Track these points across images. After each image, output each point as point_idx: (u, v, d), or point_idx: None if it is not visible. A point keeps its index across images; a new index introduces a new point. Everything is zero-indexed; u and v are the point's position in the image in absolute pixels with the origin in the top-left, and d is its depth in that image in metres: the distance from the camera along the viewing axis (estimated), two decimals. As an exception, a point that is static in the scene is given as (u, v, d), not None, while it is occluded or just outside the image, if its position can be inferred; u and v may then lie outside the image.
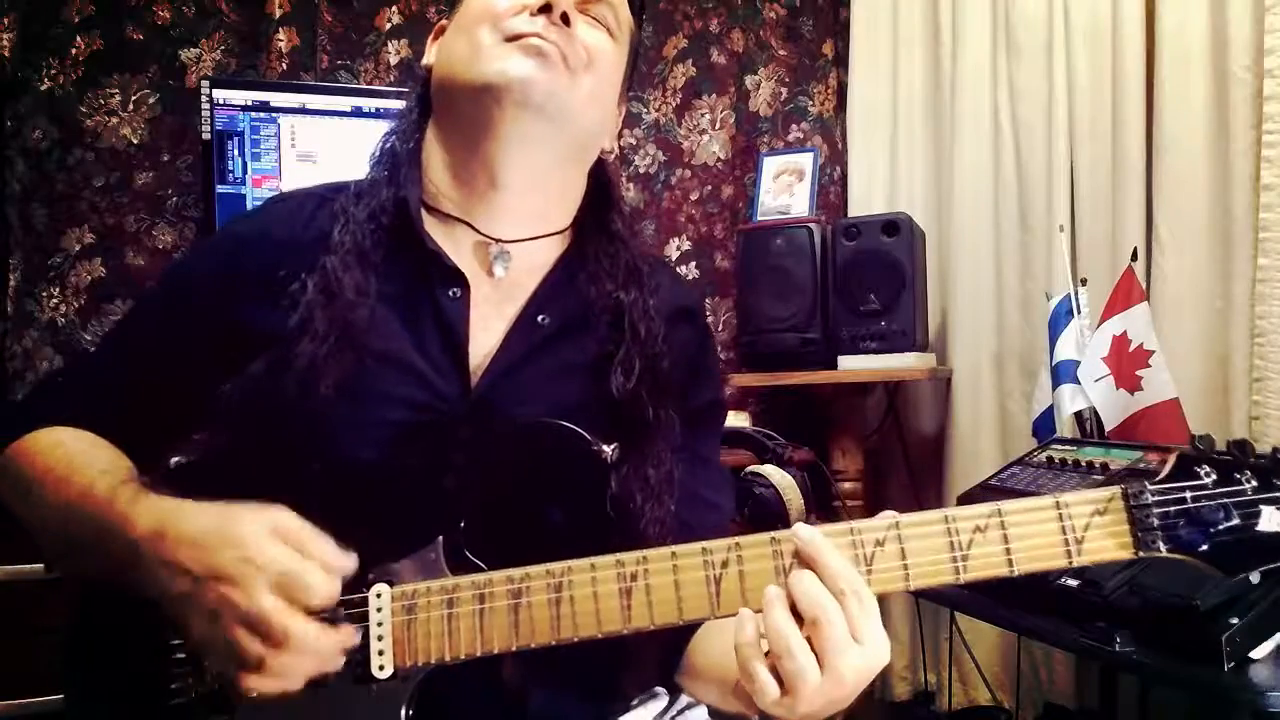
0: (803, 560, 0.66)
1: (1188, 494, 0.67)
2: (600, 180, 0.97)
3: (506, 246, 0.89)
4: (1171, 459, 0.70)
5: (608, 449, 0.79)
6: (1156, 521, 0.67)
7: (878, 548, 0.68)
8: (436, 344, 0.85)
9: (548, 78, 0.83)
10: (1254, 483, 0.67)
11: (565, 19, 0.84)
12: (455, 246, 0.89)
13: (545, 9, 0.84)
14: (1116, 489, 0.68)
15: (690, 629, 0.85)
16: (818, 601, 0.64)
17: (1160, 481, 0.68)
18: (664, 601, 0.69)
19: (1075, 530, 0.68)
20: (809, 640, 0.63)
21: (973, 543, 0.68)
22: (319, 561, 0.69)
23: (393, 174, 0.89)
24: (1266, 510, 0.66)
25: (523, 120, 0.84)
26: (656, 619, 0.69)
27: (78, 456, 0.82)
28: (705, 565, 0.69)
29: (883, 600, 0.67)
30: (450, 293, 0.86)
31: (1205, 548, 0.67)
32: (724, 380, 1.05)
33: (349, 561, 0.70)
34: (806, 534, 0.67)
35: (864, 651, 0.64)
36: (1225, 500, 0.67)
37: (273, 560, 0.67)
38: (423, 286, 0.86)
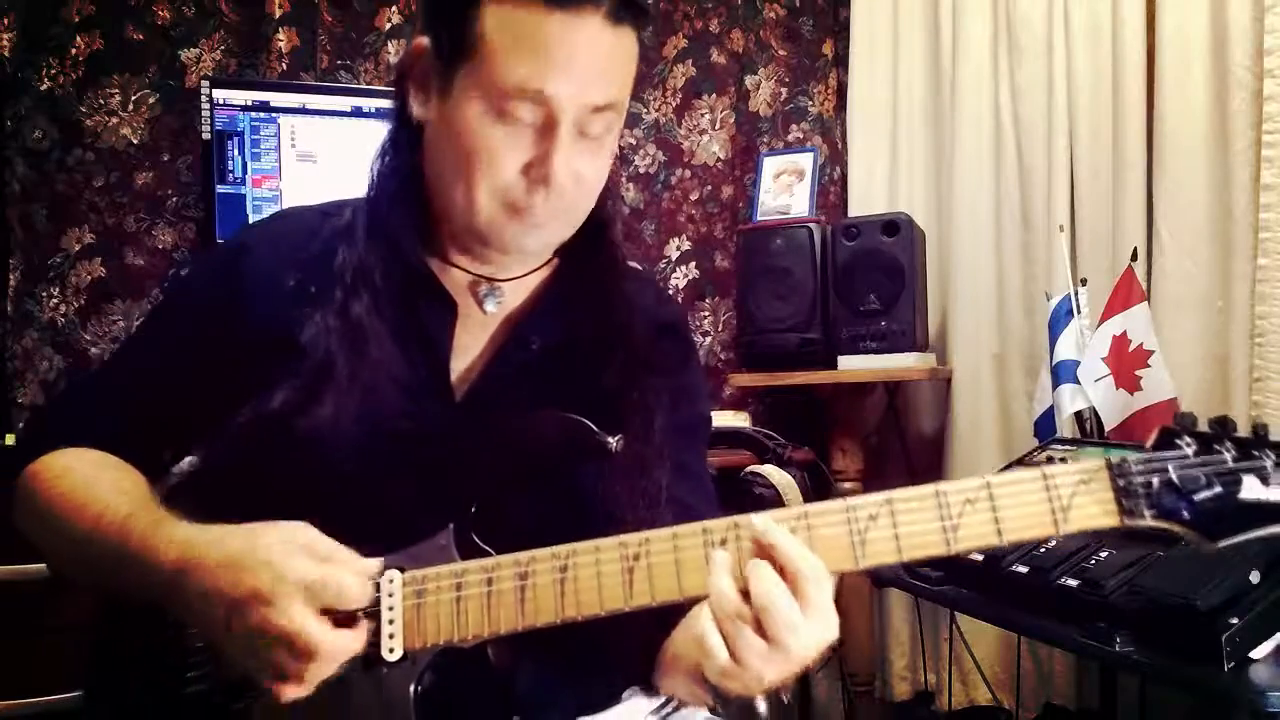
0: (759, 548, 0.69)
1: (1170, 464, 0.69)
2: (597, 216, 0.95)
3: (499, 284, 0.92)
4: (1155, 433, 0.72)
5: (612, 440, 0.81)
6: (1141, 490, 0.69)
7: (870, 521, 0.71)
8: (422, 362, 0.87)
9: (544, 234, 0.87)
10: (1233, 453, 0.70)
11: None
12: (449, 276, 0.91)
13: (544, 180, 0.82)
14: (1102, 460, 0.70)
15: (667, 633, 0.87)
16: (767, 591, 0.66)
17: (1144, 452, 0.71)
18: (665, 577, 0.72)
19: (1061, 500, 0.70)
20: (759, 622, 0.66)
21: (963, 514, 0.70)
22: (348, 567, 0.71)
23: (391, 204, 0.90)
24: (1247, 479, 0.69)
25: (520, 254, 0.89)
26: (658, 595, 0.72)
27: (89, 485, 0.83)
28: (705, 544, 0.72)
29: (879, 597, 0.67)
30: (437, 312, 0.89)
31: (1188, 515, 0.69)
32: (710, 393, 1.06)
33: (374, 564, 0.73)
34: (760, 523, 0.69)
35: (812, 628, 0.67)
36: (1207, 470, 0.69)
37: (304, 574, 0.69)
38: (411, 304, 0.88)
